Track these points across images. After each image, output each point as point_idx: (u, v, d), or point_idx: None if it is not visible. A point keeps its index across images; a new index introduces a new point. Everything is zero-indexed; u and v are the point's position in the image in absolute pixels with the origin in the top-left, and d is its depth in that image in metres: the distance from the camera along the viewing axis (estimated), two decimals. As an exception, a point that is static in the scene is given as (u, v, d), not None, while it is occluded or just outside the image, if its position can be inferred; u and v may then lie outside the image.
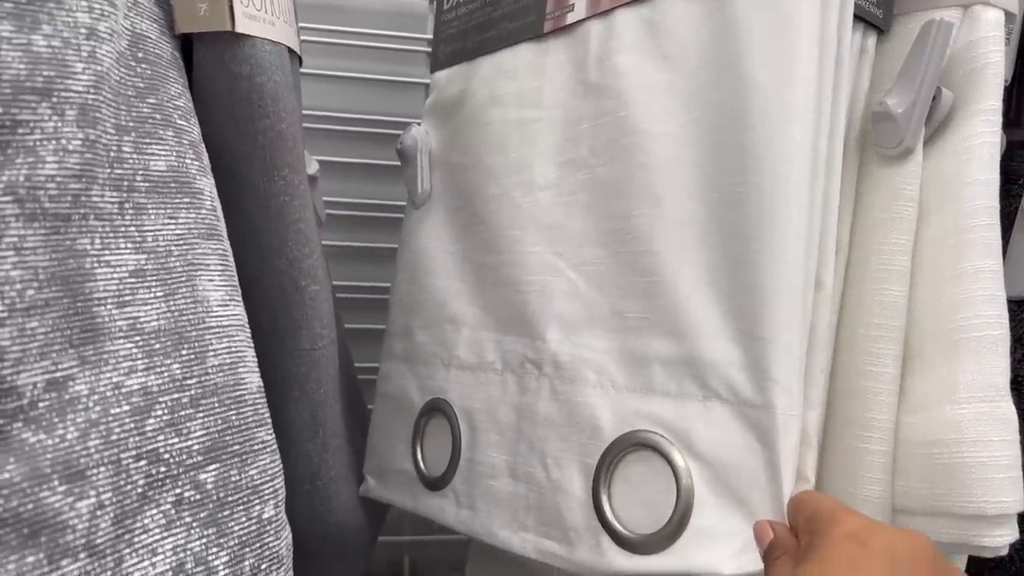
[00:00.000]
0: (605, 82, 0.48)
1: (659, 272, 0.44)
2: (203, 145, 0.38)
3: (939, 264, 0.41)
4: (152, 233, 0.33)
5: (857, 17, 0.43)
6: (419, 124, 0.65)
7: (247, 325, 0.36)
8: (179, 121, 0.36)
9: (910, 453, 0.40)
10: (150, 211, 0.33)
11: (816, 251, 0.40)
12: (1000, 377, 0.38)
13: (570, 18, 0.52)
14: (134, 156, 0.33)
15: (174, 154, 0.35)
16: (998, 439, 0.37)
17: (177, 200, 0.34)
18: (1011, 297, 0.42)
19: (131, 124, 0.33)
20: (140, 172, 0.33)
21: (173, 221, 0.34)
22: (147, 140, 0.34)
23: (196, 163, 0.36)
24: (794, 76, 0.39)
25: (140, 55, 0.35)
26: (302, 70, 0.51)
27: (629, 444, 0.43)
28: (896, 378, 0.41)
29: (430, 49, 0.78)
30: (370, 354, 0.73)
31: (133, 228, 0.32)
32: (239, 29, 0.39)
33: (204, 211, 0.36)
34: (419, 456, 0.56)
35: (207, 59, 0.40)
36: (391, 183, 0.79)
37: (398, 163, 0.65)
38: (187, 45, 0.40)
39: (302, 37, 0.59)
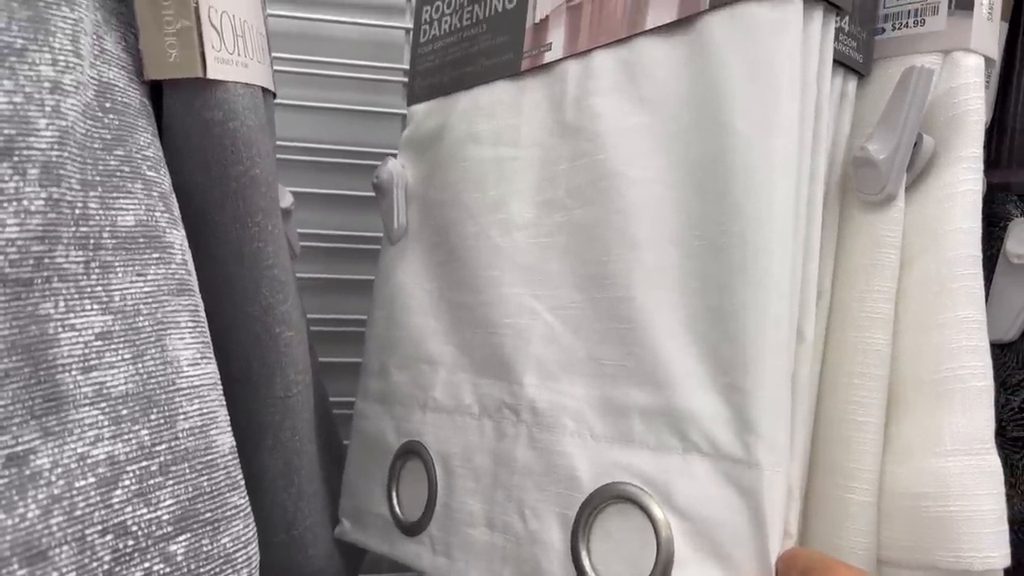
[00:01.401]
0: (582, 123, 0.48)
1: (636, 319, 0.43)
2: (173, 195, 0.37)
3: (923, 312, 0.40)
4: (120, 292, 0.32)
5: (837, 62, 0.43)
6: (395, 157, 0.64)
7: (219, 383, 0.35)
8: (148, 172, 0.35)
9: (895, 504, 0.40)
10: (117, 269, 0.32)
11: (798, 302, 0.40)
12: (986, 429, 0.38)
13: (547, 57, 0.51)
14: (101, 212, 0.32)
15: (143, 208, 0.34)
16: (984, 493, 0.37)
17: (146, 256, 0.33)
18: (994, 341, 0.42)
19: (98, 178, 0.32)
20: (107, 228, 0.32)
21: (142, 278, 0.33)
22: (114, 194, 0.33)
23: (166, 215, 0.35)
24: (775, 126, 0.38)
25: (107, 105, 0.34)
26: (276, 100, 0.51)
27: (609, 496, 0.42)
28: (880, 427, 0.41)
29: (406, 79, 0.77)
30: (346, 388, 0.72)
31: (100, 288, 0.31)
32: (211, 75, 0.38)
33: (174, 266, 0.35)
34: (395, 500, 0.55)
35: (177, 106, 0.39)
36: (367, 214, 0.78)
37: (374, 194, 0.64)
38: (157, 90, 0.39)
39: (276, 67, 0.58)
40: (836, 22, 0.41)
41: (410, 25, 0.77)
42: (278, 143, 0.59)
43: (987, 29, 0.42)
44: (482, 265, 0.53)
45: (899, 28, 0.44)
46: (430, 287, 0.58)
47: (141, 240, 0.33)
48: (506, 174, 0.53)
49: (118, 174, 0.33)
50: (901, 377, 0.41)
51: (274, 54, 0.65)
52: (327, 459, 0.57)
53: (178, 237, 0.36)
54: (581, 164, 0.48)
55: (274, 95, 0.49)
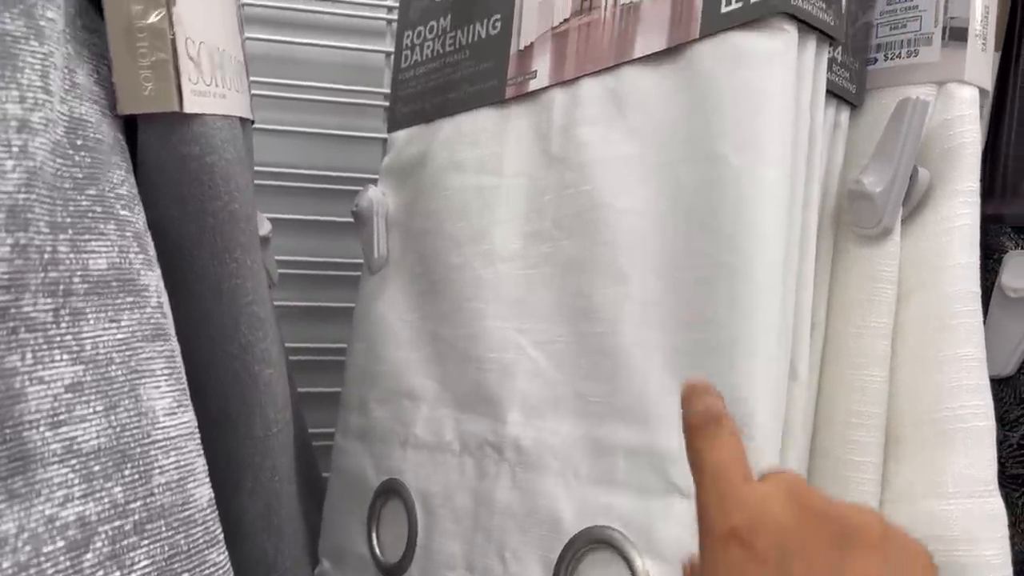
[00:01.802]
0: (568, 154, 0.47)
1: (622, 354, 0.42)
2: (148, 234, 0.35)
3: (921, 349, 0.39)
4: (91, 340, 0.30)
5: (830, 92, 0.42)
6: (375, 185, 0.63)
7: (196, 431, 0.33)
8: (122, 212, 0.34)
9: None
10: (89, 316, 0.30)
11: (790, 338, 0.39)
12: (988, 470, 0.37)
13: (532, 85, 0.50)
14: (71, 256, 0.30)
15: (116, 249, 0.32)
16: (988, 537, 0.36)
17: (119, 300, 0.32)
18: (991, 376, 0.41)
19: (68, 220, 0.31)
20: (78, 273, 0.30)
21: (115, 324, 0.31)
22: (86, 236, 0.31)
23: (140, 256, 0.34)
24: (767, 157, 0.37)
25: (79, 142, 0.33)
26: (254, 125, 0.49)
27: (591, 540, 0.41)
28: (879, 467, 0.40)
29: (386, 103, 0.76)
30: (325, 418, 0.70)
31: (70, 336, 0.29)
32: (188, 109, 0.36)
33: (149, 310, 0.33)
34: (375, 541, 0.53)
35: (153, 140, 0.37)
36: (346, 240, 0.76)
37: (352, 220, 0.63)
38: (131, 123, 0.38)
39: (253, 91, 0.57)
40: (829, 52, 0.41)
41: (390, 49, 0.76)
42: (256, 168, 0.58)
43: (981, 60, 0.42)
44: (465, 297, 0.52)
45: (892, 58, 0.43)
46: (411, 318, 0.56)
47: (114, 284, 0.32)
48: (489, 203, 0.51)
49: (90, 215, 0.32)
50: (899, 415, 0.40)
51: (252, 78, 0.63)
52: (306, 496, 0.55)
53: (153, 279, 0.34)
54: (567, 195, 0.47)
55: (252, 122, 0.47)
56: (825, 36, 0.40)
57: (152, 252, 0.35)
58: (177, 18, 0.36)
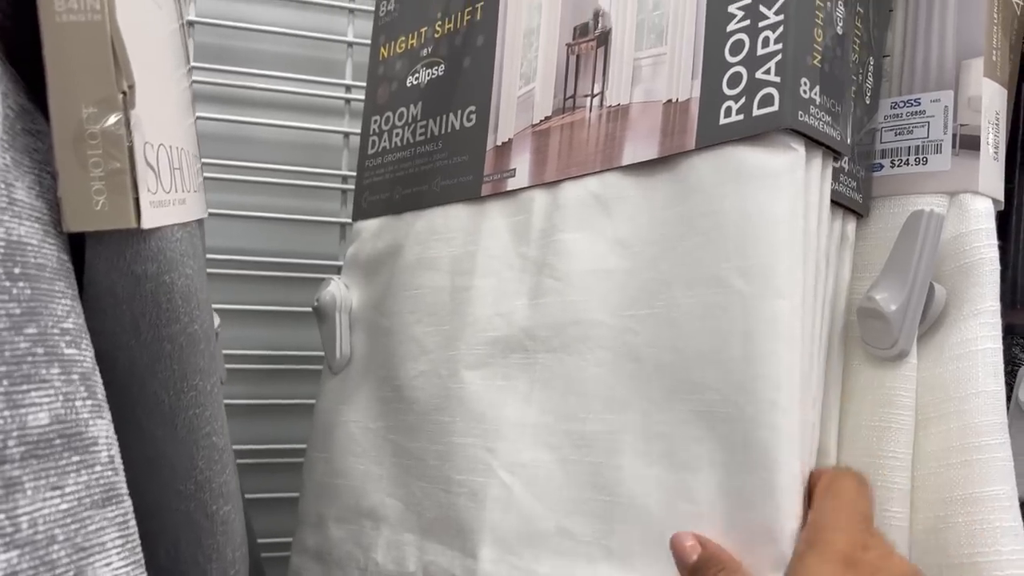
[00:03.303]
0: (548, 260, 0.44)
1: (622, 492, 0.38)
2: (97, 370, 0.31)
3: (945, 485, 0.37)
4: (28, 516, 0.25)
5: (836, 203, 0.40)
6: (337, 278, 0.59)
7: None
8: (67, 350, 0.29)
9: None
10: (26, 486, 0.25)
11: (807, 477, 0.36)
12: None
13: (511, 184, 0.47)
14: (7, 413, 0.26)
15: (60, 398, 0.28)
16: None
17: (63, 462, 0.27)
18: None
19: (3, 369, 0.26)
20: (14, 434, 0.26)
21: (58, 493, 0.26)
22: (24, 387, 0.27)
23: (89, 402, 0.29)
24: (778, 288, 0.35)
25: (17, 271, 0.28)
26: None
27: None
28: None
29: (344, 186, 0.72)
30: (277, 525, 0.65)
31: (2, 516, 0.24)
32: (146, 224, 0.32)
33: (99, 468, 0.28)
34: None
35: (103, 259, 0.33)
36: (303, 329, 0.71)
37: (310, 309, 0.58)
38: (77, 236, 0.33)
39: (205, 173, 0.53)
40: (835, 163, 0.38)
41: (348, 128, 0.72)
42: (207, 256, 0.53)
43: (994, 170, 0.40)
44: (432, 408, 0.48)
45: (899, 165, 0.41)
46: (375, 427, 0.52)
47: (57, 442, 0.27)
48: (460, 307, 0.48)
49: (30, 359, 0.27)
50: (921, 556, 0.37)
51: (204, 159, 0.59)
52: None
53: (102, 427, 0.29)
54: (547, 303, 0.43)
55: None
56: (831, 151, 0.37)
57: (101, 393, 0.30)
58: (136, 122, 0.32)
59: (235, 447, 0.64)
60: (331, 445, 0.54)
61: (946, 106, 0.40)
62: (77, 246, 0.33)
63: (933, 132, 0.40)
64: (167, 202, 0.35)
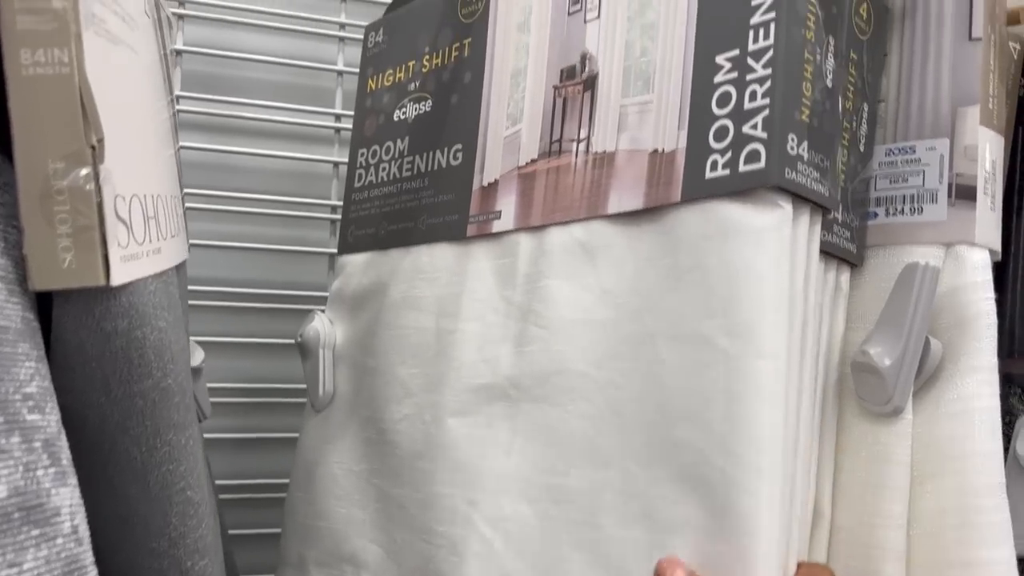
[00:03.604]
0: (533, 306, 0.43)
1: (602, 551, 0.37)
2: (62, 433, 0.30)
3: (941, 547, 0.36)
4: (-19, 599, 0.24)
5: (829, 254, 0.39)
6: (321, 312, 0.58)
7: None
8: (29, 416, 0.28)
9: None
10: (-20, 567, 0.24)
11: (795, 544, 0.35)
12: None
13: (496, 226, 0.46)
14: (-39, 489, 0.25)
15: (20, 469, 0.27)
16: None
17: (21, 536, 0.26)
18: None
19: (-41, 442, 0.25)
20: (-31, 511, 0.25)
21: (15, 570, 0.25)
22: (-18, 460, 0.26)
23: (52, 470, 0.28)
24: (761, 346, 0.34)
25: (-22, 336, 0.27)
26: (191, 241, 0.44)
27: None
28: None
29: (334, 216, 0.71)
30: (260, 560, 0.63)
31: (-46, 599, 0.23)
32: (116, 281, 0.31)
33: (60, 540, 0.27)
34: None
35: (71, 317, 0.32)
36: (288, 361, 0.70)
37: (292, 341, 0.58)
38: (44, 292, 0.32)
39: (188, 203, 0.52)
40: (826, 214, 0.38)
41: (338, 158, 0.71)
42: (190, 288, 0.52)
43: (991, 221, 0.39)
44: (414, 454, 0.47)
45: (894, 214, 0.40)
46: (358, 469, 0.51)
47: (15, 516, 0.26)
48: (445, 349, 0.47)
49: (-12, 429, 0.26)
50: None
51: (187, 189, 0.58)
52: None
53: (65, 496, 0.28)
54: (531, 351, 0.42)
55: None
56: (819, 207, 0.37)
57: (66, 458, 0.29)
58: (106, 175, 0.31)
59: (219, 482, 0.63)
60: (313, 486, 0.53)
61: (942, 154, 0.39)
62: (45, 302, 0.32)
63: (928, 181, 0.39)
64: (139, 255, 0.34)
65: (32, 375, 0.29)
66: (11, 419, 0.27)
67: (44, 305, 0.32)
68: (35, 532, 0.26)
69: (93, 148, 0.30)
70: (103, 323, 0.32)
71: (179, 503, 0.37)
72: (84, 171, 0.30)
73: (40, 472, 0.28)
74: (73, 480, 0.29)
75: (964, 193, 0.39)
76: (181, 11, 0.68)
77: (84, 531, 0.29)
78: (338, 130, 0.72)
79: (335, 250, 0.67)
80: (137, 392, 0.34)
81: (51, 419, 0.29)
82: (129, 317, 0.33)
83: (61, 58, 0.29)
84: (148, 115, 0.39)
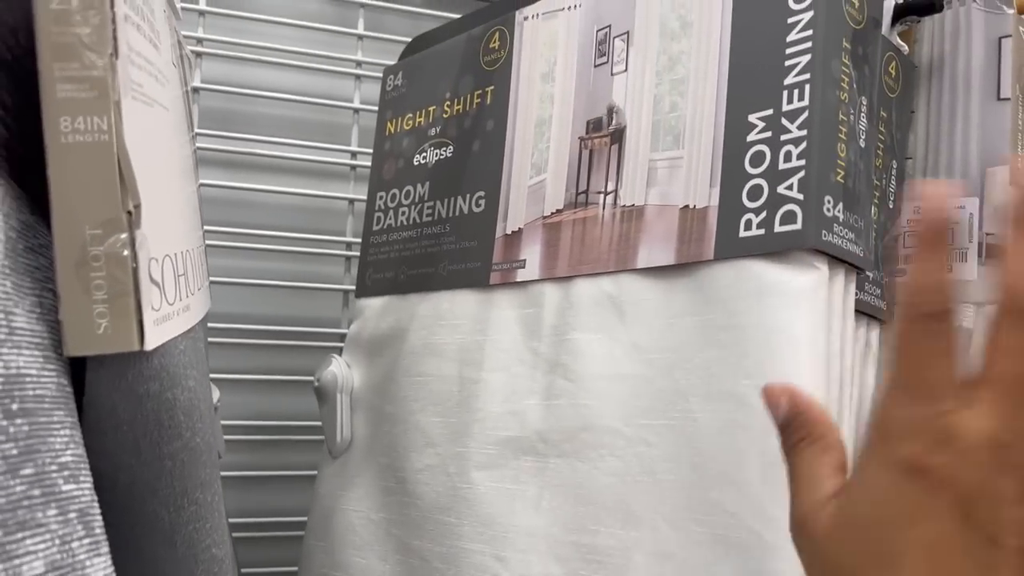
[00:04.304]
0: (561, 359, 0.42)
1: None
2: (95, 502, 0.29)
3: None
4: None
5: (860, 312, 0.39)
6: (338, 356, 0.57)
7: None
8: (65, 487, 0.28)
9: None
10: (18, 649, 0.24)
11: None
12: None
13: (521, 275, 0.46)
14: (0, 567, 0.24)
15: (56, 543, 0.26)
16: None
17: (58, 613, 0.26)
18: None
19: (-2, 520, 0.25)
20: (7, 592, 0.24)
21: (51, 648, 0.25)
22: (19, 535, 0.25)
23: (87, 541, 0.28)
24: None
25: (14, 407, 0.27)
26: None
27: None
28: None
29: (349, 252, 0.71)
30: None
31: None
32: (150, 345, 0.31)
33: (94, 614, 0.27)
34: None
35: (104, 381, 0.32)
36: (306, 398, 0.70)
37: (310, 378, 0.57)
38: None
39: (209, 240, 0.52)
40: (861, 274, 0.38)
41: (353, 195, 0.71)
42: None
43: (1020, 281, 0.39)
44: (438, 507, 0.46)
45: (922, 272, 0.40)
46: (377, 518, 0.51)
47: (52, 592, 0.26)
48: (467, 400, 0.47)
49: (25, 503, 0.26)
50: None
51: (206, 227, 0.58)
52: None
53: (99, 566, 0.28)
54: (558, 405, 0.42)
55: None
56: (854, 267, 0.36)
57: (99, 527, 0.29)
58: (141, 240, 0.31)
59: (233, 520, 0.63)
60: (330, 534, 0.53)
61: (971, 213, 0.39)
62: (78, 365, 0.32)
63: (959, 240, 0.39)
64: (171, 315, 0.34)
65: (67, 443, 0.29)
66: (47, 492, 0.27)
67: (76, 368, 0.32)
68: (71, 608, 0.26)
69: (129, 214, 0.30)
70: (136, 386, 0.32)
71: (204, 561, 0.36)
72: (121, 237, 0.30)
73: (75, 544, 0.27)
74: (106, 548, 0.29)
75: (993, 252, 0.39)
76: (200, 49, 0.68)
77: (118, 602, 0.29)
78: (354, 167, 0.72)
79: (350, 286, 0.67)
80: (167, 454, 0.34)
81: (85, 488, 0.29)
82: (161, 380, 0.33)
83: (100, 126, 0.29)
84: (176, 165, 0.39)
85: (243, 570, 0.64)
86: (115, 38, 0.29)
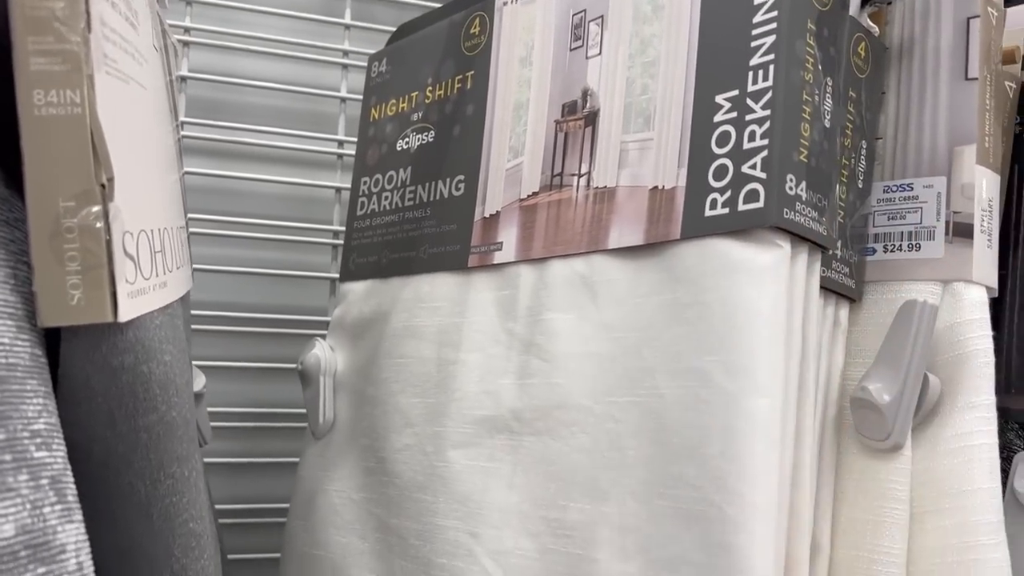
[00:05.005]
0: (535, 339, 0.43)
1: None
2: (68, 468, 0.30)
3: (940, 583, 0.36)
4: (-12, 640, 0.24)
5: (829, 290, 0.39)
6: (322, 339, 0.58)
7: None
8: (37, 453, 0.28)
9: None
10: (-13, 607, 0.25)
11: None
12: None
13: (497, 258, 0.46)
14: (-31, 528, 0.25)
15: (27, 507, 0.27)
16: None
17: (28, 574, 0.26)
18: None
19: (-32, 482, 0.25)
20: (-23, 551, 0.25)
21: (19, 610, 0.25)
22: (-10, 498, 0.26)
23: (58, 507, 0.28)
24: (757, 384, 0.34)
25: (-13, 374, 0.27)
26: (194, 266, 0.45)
27: None
28: None
29: (335, 241, 0.72)
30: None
31: (-39, 640, 0.24)
32: (123, 317, 0.31)
33: (65, 577, 0.27)
34: None
35: (78, 353, 0.32)
36: (293, 386, 0.71)
37: (294, 365, 0.58)
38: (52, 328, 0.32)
39: (192, 228, 0.52)
40: (824, 253, 0.38)
41: (340, 183, 0.72)
42: (192, 312, 0.53)
43: (988, 259, 0.39)
44: (415, 486, 0.47)
45: (892, 251, 0.41)
46: (357, 498, 0.51)
47: (22, 554, 0.26)
48: (446, 380, 0.47)
49: (-4, 468, 0.26)
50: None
51: (190, 214, 0.58)
52: None
53: (71, 532, 0.29)
54: (532, 384, 0.43)
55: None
56: (817, 246, 0.37)
57: (72, 494, 0.30)
58: (114, 213, 0.32)
59: (220, 506, 0.63)
60: (312, 514, 0.53)
61: (939, 192, 0.39)
62: (53, 337, 0.33)
63: (926, 218, 0.40)
64: (146, 289, 0.34)
65: (40, 412, 0.29)
66: (19, 458, 0.27)
67: (51, 341, 0.32)
68: (41, 570, 0.27)
69: (103, 187, 0.31)
70: (110, 359, 0.32)
71: (182, 535, 0.37)
72: (94, 209, 0.31)
73: (47, 509, 0.28)
74: (78, 516, 0.30)
75: (961, 231, 0.39)
76: (186, 38, 0.69)
77: (89, 567, 0.29)
78: (340, 156, 0.73)
79: (336, 275, 0.67)
80: (142, 426, 0.34)
81: (58, 455, 0.29)
82: (135, 352, 0.33)
83: (73, 99, 0.30)
84: (155, 146, 0.40)
85: (231, 556, 0.65)
86: (88, 12, 0.30)
